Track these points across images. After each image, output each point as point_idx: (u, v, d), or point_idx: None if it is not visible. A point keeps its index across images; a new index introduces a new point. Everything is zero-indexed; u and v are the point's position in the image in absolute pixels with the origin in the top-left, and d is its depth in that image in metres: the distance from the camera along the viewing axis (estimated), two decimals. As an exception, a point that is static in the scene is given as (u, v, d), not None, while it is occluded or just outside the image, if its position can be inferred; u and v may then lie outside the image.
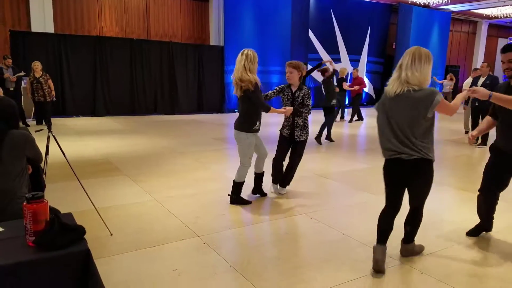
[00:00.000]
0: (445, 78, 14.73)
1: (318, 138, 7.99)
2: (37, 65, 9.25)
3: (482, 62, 8.44)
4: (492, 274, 2.85)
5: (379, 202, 4.45)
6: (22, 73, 9.78)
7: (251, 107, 3.99)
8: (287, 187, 4.69)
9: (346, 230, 3.59)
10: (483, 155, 7.28)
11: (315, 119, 10.87)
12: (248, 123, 4.03)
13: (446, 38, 19.84)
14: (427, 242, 3.34)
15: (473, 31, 22.77)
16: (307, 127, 4.43)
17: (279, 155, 4.55)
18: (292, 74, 4.25)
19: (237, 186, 4.22)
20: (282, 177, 4.62)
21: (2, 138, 2.35)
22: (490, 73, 8.02)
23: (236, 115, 4.41)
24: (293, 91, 4.33)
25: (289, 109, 4.20)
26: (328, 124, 8.19)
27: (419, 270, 2.87)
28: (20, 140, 2.45)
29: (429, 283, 2.70)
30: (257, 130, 4.13)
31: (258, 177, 4.44)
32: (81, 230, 1.77)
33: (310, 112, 4.35)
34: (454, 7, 18.63)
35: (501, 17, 19.93)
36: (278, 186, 4.67)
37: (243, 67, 3.91)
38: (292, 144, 4.49)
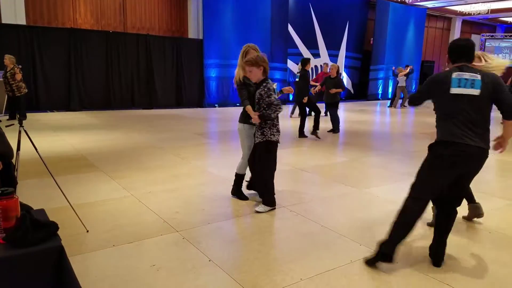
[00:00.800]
0: (406, 71, 15.06)
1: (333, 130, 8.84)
2: (5, 59, 8.93)
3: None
4: (465, 262, 2.95)
5: (357, 194, 4.55)
6: None
7: None
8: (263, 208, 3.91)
9: (325, 222, 3.64)
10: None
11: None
12: (244, 115, 4.08)
13: (422, 34, 20.29)
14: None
15: (447, 27, 23.38)
16: (263, 128, 3.79)
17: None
18: (251, 72, 3.77)
19: (237, 177, 4.27)
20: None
21: None
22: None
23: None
24: (255, 90, 3.88)
25: (256, 118, 3.74)
26: (337, 117, 8.81)
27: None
28: None
29: (403, 272, 2.77)
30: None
31: (239, 177, 4.30)
32: (53, 226, 1.72)
33: (279, 110, 3.75)
34: (429, 4, 19.06)
35: (474, 14, 20.53)
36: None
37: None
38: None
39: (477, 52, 3.11)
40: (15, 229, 1.62)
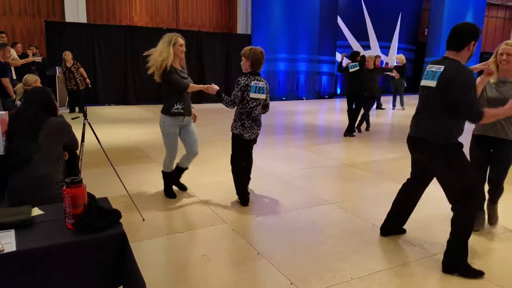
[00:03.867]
0: None
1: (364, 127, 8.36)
2: (67, 55, 9.52)
3: None
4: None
5: (410, 193, 4.36)
6: (35, 58, 9.41)
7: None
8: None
9: (375, 221, 3.54)
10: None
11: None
12: (166, 105, 3.87)
13: (482, 24, 18.93)
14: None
15: (510, 17, 21.62)
16: (235, 120, 3.86)
17: None
18: (241, 62, 3.95)
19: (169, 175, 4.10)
20: None
21: (40, 125, 2.45)
22: None
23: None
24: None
25: (214, 87, 3.85)
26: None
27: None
28: (58, 127, 2.54)
29: (459, 278, 2.63)
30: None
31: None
32: (117, 214, 1.83)
33: (224, 101, 3.82)
34: (491, -9, 17.72)
35: (543, 0, 18.79)
36: None
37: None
38: None
39: None
40: (83, 215, 1.74)
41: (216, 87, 3.88)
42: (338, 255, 2.90)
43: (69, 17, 11.75)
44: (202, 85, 3.94)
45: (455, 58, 2.60)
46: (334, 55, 15.47)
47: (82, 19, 11.92)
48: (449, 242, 2.68)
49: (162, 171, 4.13)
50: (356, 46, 16.14)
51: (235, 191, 3.96)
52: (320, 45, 14.84)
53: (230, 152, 3.95)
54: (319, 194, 4.26)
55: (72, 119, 3.61)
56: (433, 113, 2.65)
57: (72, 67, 9.52)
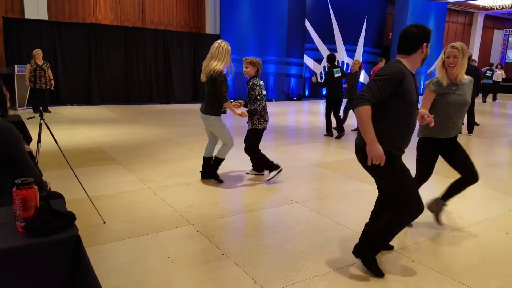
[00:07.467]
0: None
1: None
2: (39, 53, 9.39)
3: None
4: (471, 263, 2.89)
5: (373, 191, 4.47)
6: None
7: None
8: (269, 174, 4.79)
9: (339, 219, 3.62)
10: (466, 142, 7.33)
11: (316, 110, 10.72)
12: (213, 107, 4.42)
13: (442, 29, 19.82)
14: (419, 229, 3.37)
15: (469, 22, 22.76)
16: (258, 118, 4.60)
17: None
18: (247, 69, 4.57)
19: (219, 161, 4.60)
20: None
21: None
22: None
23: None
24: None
25: (245, 113, 4.48)
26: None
27: (409, 258, 2.90)
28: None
29: (420, 270, 2.74)
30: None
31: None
32: (71, 216, 1.76)
33: (256, 103, 4.50)
34: (451, -2, 18.60)
35: (497, 9, 19.95)
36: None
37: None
38: None
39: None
40: (34, 218, 1.66)
41: (246, 114, 4.48)
42: (302, 254, 2.94)
43: (29, 14, 11.26)
44: (237, 112, 4.46)
45: (402, 60, 2.48)
46: (302, 58, 15.71)
47: (43, 16, 11.45)
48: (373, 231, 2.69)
49: (217, 157, 4.57)
50: (323, 49, 16.46)
51: (267, 169, 4.74)
52: (288, 48, 15.02)
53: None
54: (285, 194, 4.30)
55: (28, 118, 3.46)
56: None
57: (43, 65, 9.39)
